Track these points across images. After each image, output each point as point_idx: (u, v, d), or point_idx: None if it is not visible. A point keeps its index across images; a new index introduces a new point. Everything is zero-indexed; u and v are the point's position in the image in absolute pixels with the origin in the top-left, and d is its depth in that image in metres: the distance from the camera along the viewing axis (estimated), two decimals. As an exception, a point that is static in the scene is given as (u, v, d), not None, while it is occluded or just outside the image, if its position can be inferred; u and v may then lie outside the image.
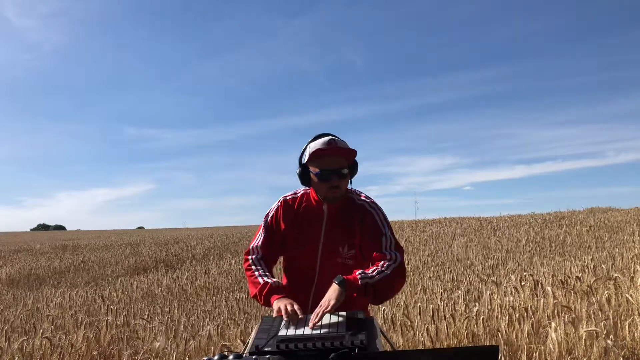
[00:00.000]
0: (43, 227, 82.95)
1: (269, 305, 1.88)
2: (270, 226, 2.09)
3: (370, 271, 1.83)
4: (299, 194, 2.10)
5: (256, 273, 1.99)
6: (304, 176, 2.00)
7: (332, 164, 1.93)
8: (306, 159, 1.98)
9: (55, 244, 21.48)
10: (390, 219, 2.06)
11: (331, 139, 1.96)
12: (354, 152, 1.97)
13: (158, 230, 42.91)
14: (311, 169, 1.97)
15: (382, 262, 1.87)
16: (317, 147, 1.92)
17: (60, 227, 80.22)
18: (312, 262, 2.02)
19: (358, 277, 1.80)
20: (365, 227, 1.96)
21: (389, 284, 1.84)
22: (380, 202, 2.08)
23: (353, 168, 2.01)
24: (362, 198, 2.05)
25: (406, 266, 1.95)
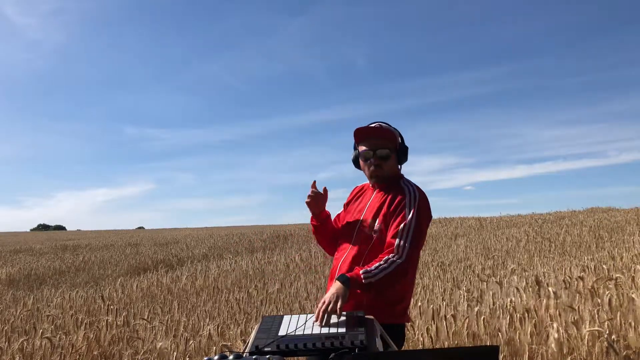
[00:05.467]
0: (43, 227, 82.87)
1: (313, 221, 2.21)
2: (344, 205, 2.30)
3: (373, 267, 1.85)
4: (367, 182, 2.25)
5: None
6: (356, 160, 2.17)
7: (372, 144, 2.07)
8: (356, 143, 2.15)
9: (55, 244, 21.49)
10: None
11: (377, 122, 2.11)
12: (388, 132, 2.08)
13: (158, 230, 42.92)
14: (359, 150, 2.13)
15: (388, 256, 1.88)
16: (358, 127, 2.08)
17: (60, 227, 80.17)
18: (351, 232, 2.11)
19: (361, 275, 1.82)
20: (393, 206, 2.01)
21: (390, 281, 1.86)
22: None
23: (400, 153, 2.11)
24: (408, 182, 2.12)
25: (415, 260, 1.95)
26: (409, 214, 1.96)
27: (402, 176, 2.14)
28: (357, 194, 2.25)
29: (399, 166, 2.14)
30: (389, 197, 2.05)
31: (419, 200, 2.01)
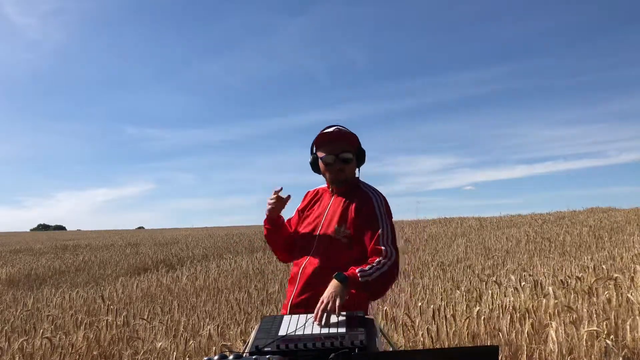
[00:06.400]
0: (43, 227, 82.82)
1: (268, 225, 2.17)
2: (298, 211, 2.29)
3: (368, 268, 1.88)
4: (321, 187, 2.26)
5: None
6: (314, 164, 2.14)
7: (336, 149, 2.06)
8: (315, 147, 2.12)
9: (55, 244, 21.48)
10: None
11: (335, 126, 2.10)
12: (354, 137, 2.09)
13: (158, 230, 42.90)
14: (319, 155, 2.11)
15: (379, 259, 1.92)
16: (320, 133, 2.07)
17: (60, 227, 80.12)
18: (313, 237, 2.11)
19: (358, 274, 1.84)
20: (363, 214, 2.03)
21: (385, 282, 1.91)
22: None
23: (359, 156, 2.12)
24: (368, 186, 2.14)
25: (400, 263, 2.01)
26: (383, 220, 2.02)
27: (358, 179, 2.16)
28: (313, 199, 2.23)
29: (358, 169, 2.16)
30: (355, 202, 2.06)
31: (385, 205, 2.07)
